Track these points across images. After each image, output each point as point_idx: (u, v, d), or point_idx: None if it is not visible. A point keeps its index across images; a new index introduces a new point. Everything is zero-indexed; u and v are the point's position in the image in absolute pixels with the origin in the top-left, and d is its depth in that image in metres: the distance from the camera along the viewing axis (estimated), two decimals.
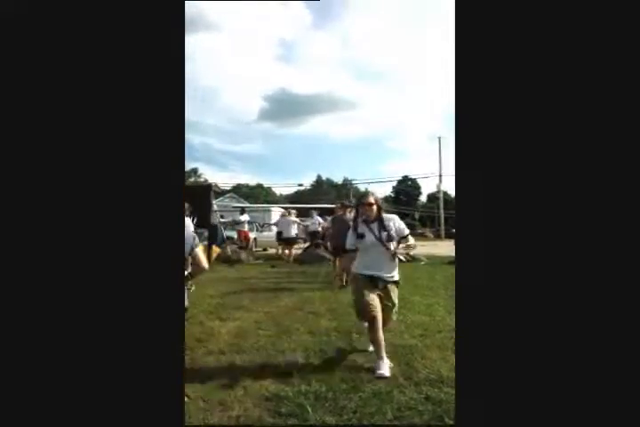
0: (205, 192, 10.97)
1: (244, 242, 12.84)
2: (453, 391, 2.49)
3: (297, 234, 11.84)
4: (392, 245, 3.05)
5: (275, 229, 13.24)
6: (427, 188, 53.40)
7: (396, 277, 3.16)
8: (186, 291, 5.68)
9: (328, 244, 8.94)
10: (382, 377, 2.74)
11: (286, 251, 11.57)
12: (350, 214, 5.79)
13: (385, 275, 3.09)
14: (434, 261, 11.16)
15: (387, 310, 3.10)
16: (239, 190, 47.96)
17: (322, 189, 56.34)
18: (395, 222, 3.14)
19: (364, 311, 2.98)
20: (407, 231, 3.15)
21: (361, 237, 3.09)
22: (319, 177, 62.13)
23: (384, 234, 3.05)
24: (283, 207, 16.71)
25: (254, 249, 13.91)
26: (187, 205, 6.56)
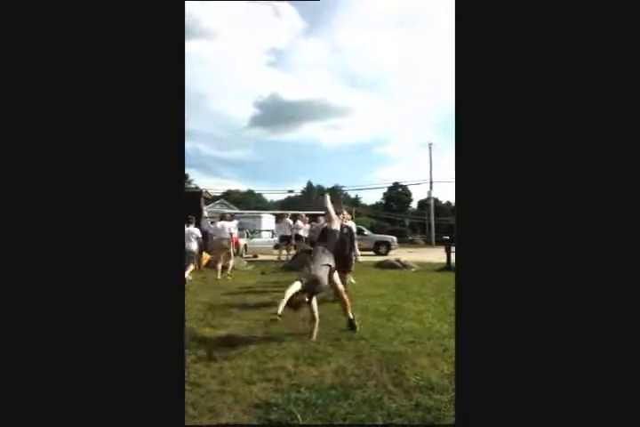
0: (196, 199, 10.89)
1: (234, 248, 12.87)
2: (443, 398, 2.50)
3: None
4: None
5: (265, 235, 13.18)
6: (417, 194, 53.53)
7: None
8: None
9: None
10: None
11: (284, 251, 11.86)
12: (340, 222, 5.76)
13: None
14: (424, 267, 11.20)
15: None
16: (230, 197, 47.79)
17: (312, 195, 56.37)
18: None
19: None
20: None
21: None
22: (310, 184, 62.18)
23: None
24: (275, 214, 16.82)
25: (244, 255, 13.92)
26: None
